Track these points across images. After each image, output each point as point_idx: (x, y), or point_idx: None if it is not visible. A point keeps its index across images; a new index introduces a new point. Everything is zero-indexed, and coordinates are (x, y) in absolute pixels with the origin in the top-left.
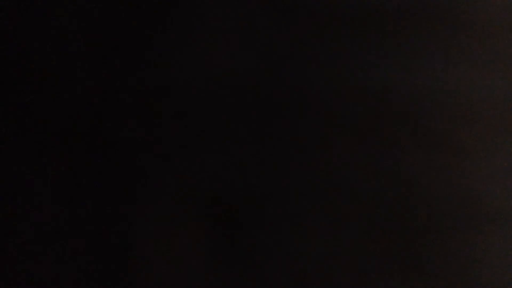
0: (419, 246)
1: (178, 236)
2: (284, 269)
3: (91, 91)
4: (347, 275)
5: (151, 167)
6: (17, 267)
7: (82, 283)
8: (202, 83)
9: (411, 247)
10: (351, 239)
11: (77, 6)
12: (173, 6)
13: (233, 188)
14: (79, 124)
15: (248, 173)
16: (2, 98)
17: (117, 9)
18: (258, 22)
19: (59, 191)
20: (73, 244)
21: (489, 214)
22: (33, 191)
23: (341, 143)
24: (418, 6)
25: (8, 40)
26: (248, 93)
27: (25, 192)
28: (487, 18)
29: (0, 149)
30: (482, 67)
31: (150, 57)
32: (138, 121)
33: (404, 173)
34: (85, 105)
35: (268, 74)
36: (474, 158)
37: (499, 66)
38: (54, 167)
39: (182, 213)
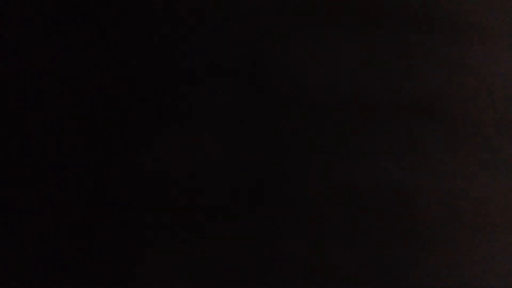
0: (421, 250)
1: (183, 240)
2: (290, 276)
3: (90, 91)
4: (350, 278)
5: (151, 170)
6: (15, 269)
7: (77, 284)
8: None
9: (412, 252)
10: (354, 246)
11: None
12: (175, 3)
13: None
14: (78, 125)
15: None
16: (2, 97)
17: (117, 8)
18: (244, 115)
19: (56, 191)
20: (68, 243)
21: (491, 219)
22: (32, 191)
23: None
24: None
25: (8, 39)
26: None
27: (25, 192)
28: (488, 117)
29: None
30: (486, 168)
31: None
32: (138, 121)
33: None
34: (84, 106)
35: (262, 161)
36: None
37: (500, 167)
38: (53, 168)
39: (184, 217)
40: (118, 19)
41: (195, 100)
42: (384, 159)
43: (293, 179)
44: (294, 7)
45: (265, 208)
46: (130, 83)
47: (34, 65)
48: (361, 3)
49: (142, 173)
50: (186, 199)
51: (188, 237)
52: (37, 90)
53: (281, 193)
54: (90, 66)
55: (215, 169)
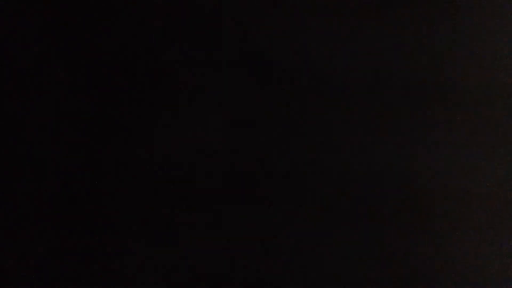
0: (424, 237)
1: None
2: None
3: (89, 84)
4: (348, 273)
5: (150, 163)
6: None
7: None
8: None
9: (408, 246)
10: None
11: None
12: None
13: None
14: (76, 118)
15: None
16: (2, 97)
17: (117, 3)
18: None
19: (54, 191)
20: (63, 242)
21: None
22: (29, 188)
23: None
24: (418, 87)
25: (8, 38)
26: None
27: (23, 191)
28: (487, 100)
29: None
30: (485, 150)
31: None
32: (137, 115)
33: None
34: (82, 100)
35: (270, 156)
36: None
37: (500, 151)
38: (51, 166)
39: (183, 211)
40: (117, 12)
41: (195, 92)
42: (389, 144)
43: (294, 170)
44: None
45: (266, 201)
46: (129, 76)
47: (33, 58)
48: None
49: (140, 166)
50: (186, 193)
51: (188, 232)
52: (34, 84)
53: (282, 186)
54: (88, 58)
55: (216, 161)
